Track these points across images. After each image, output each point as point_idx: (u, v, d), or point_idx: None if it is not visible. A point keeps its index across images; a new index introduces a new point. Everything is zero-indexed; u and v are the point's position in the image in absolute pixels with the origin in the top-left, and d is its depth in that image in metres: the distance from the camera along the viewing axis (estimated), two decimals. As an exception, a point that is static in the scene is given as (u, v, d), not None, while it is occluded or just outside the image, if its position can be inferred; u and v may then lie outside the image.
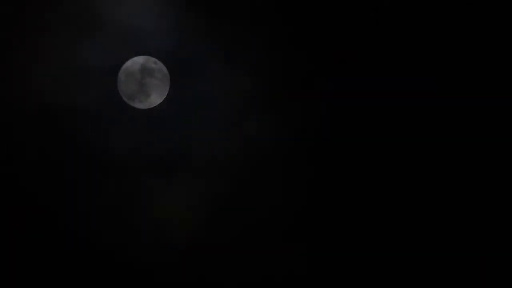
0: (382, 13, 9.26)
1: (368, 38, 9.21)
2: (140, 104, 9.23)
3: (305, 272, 9.13)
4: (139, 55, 9.19)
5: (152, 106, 9.27)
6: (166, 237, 9.15)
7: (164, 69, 9.21)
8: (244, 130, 9.31)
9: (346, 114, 9.25)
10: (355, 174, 9.23)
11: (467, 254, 9.12)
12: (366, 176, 9.23)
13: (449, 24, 9.21)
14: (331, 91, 9.24)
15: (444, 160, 9.22)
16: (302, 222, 9.21)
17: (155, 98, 9.25)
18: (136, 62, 9.18)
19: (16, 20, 8.97)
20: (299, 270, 9.13)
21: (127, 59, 9.16)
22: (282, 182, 9.27)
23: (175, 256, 9.14)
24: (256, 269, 9.14)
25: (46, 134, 9.07)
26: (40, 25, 8.98)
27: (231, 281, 9.09)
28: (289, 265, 9.12)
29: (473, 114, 9.23)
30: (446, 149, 9.22)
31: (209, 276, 9.11)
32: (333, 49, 9.21)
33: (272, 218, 9.22)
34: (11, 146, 9.04)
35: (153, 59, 9.20)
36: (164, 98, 9.27)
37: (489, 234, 9.11)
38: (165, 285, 9.11)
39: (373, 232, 9.18)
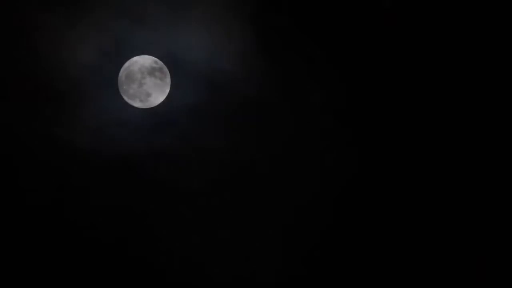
0: (382, 13, 9.29)
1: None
2: (140, 104, 9.19)
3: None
4: (139, 55, 9.16)
5: (152, 106, 9.24)
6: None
7: (165, 68, 9.18)
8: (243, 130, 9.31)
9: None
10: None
11: (469, 254, 9.17)
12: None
13: (450, 24, 9.25)
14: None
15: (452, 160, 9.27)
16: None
17: (155, 98, 9.21)
18: (136, 62, 9.15)
19: (17, 21, 8.95)
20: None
21: (127, 59, 9.13)
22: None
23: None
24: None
25: (45, 134, 9.03)
26: (40, 24, 8.95)
27: None
28: None
29: (474, 114, 9.28)
30: (453, 149, 9.27)
31: None
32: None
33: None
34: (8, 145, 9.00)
35: (154, 58, 9.17)
36: (164, 98, 9.24)
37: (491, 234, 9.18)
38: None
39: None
